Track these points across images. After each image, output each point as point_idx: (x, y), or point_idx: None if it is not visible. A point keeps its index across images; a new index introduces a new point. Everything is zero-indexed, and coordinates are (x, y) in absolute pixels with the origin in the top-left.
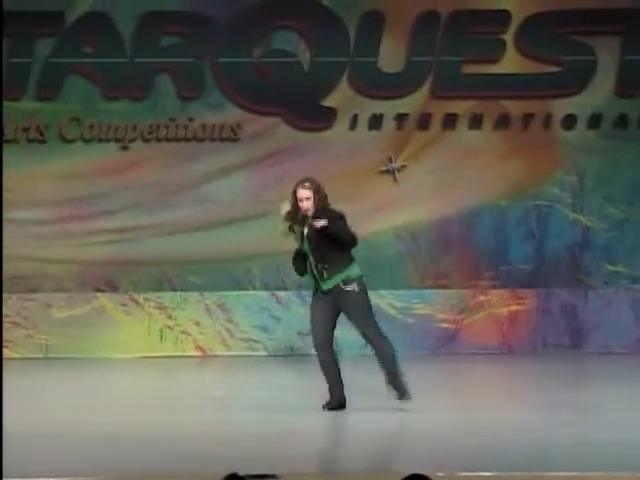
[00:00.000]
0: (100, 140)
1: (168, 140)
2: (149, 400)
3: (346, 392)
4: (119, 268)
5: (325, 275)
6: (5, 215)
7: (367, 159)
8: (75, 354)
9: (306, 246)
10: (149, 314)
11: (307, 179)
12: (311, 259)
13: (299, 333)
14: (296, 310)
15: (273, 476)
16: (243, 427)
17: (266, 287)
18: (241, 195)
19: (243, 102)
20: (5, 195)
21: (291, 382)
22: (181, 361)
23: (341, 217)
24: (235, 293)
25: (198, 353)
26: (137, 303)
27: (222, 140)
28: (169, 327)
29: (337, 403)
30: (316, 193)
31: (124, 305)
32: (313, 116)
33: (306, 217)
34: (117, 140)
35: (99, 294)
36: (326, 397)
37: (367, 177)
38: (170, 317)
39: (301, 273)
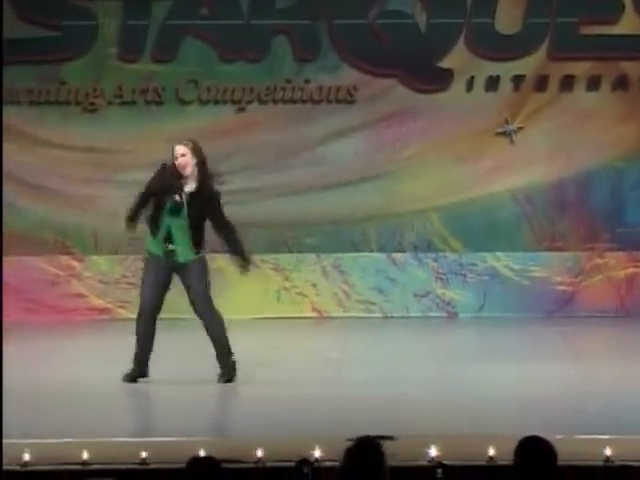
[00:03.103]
0: (216, 102)
1: (284, 102)
2: (266, 360)
3: (461, 353)
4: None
5: (184, 246)
6: (122, 177)
7: (483, 121)
8: (191, 314)
9: (169, 211)
10: (266, 275)
11: (189, 138)
12: (172, 226)
13: (415, 295)
14: (412, 272)
15: (390, 437)
16: (357, 388)
17: (382, 249)
18: (356, 157)
19: (359, 64)
20: (122, 157)
21: (407, 344)
22: (296, 322)
23: (218, 198)
24: (351, 255)
25: (314, 314)
26: (254, 265)
27: (338, 102)
28: (286, 288)
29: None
30: (193, 152)
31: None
32: (429, 78)
33: (181, 178)
34: (233, 102)
35: (216, 255)
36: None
37: (483, 139)
38: (287, 279)
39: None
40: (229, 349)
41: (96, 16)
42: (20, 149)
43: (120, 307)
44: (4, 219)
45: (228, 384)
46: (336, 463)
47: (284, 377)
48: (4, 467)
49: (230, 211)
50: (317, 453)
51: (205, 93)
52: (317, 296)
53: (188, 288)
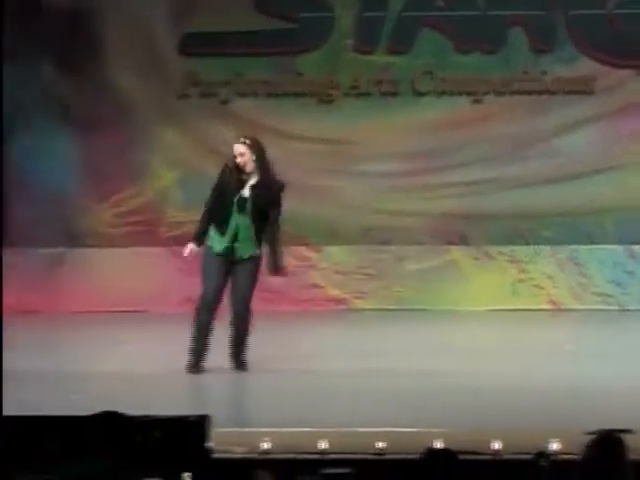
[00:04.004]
0: (452, 93)
1: (520, 93)
2: (501, 352)
3: None
4: (471, 221)
5: (247, 242)
6: (357, 168)
7: None
8: (427, 306)
9: (236, 207)
10: (502, 267)
11: (247, 136)
12: (239, 222)
13: None
14: None
15: (628, 430)
16: (592, 382)
17: (620, 241)
18: (592, 149)
19: (596, 55)
20: (358, 148)
21: None
22: (532, 314)
23: (281, 189)
24: (587, 247)
25: (550, 307)
26: (490, 257)
27: (575, 93)
28: (522, 281)
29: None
30: (252, 149)
31: (477, 259)
32: None
33: (243, 173)
34: (469, 94)
35: (452, 247)
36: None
37: None
38: (523, 271)
39: (204, 232)
40: (245, 345)
41: (333, 8)
42: None
43: (356, 298)
44: None
45: (469, 376)
46: (574, 456)
47: (519, 369)
48: (245, 455)
49: (466, 202)
50: (554, 446)
51: (441, 84)
52: (554, 288)
53: (235, 282)
